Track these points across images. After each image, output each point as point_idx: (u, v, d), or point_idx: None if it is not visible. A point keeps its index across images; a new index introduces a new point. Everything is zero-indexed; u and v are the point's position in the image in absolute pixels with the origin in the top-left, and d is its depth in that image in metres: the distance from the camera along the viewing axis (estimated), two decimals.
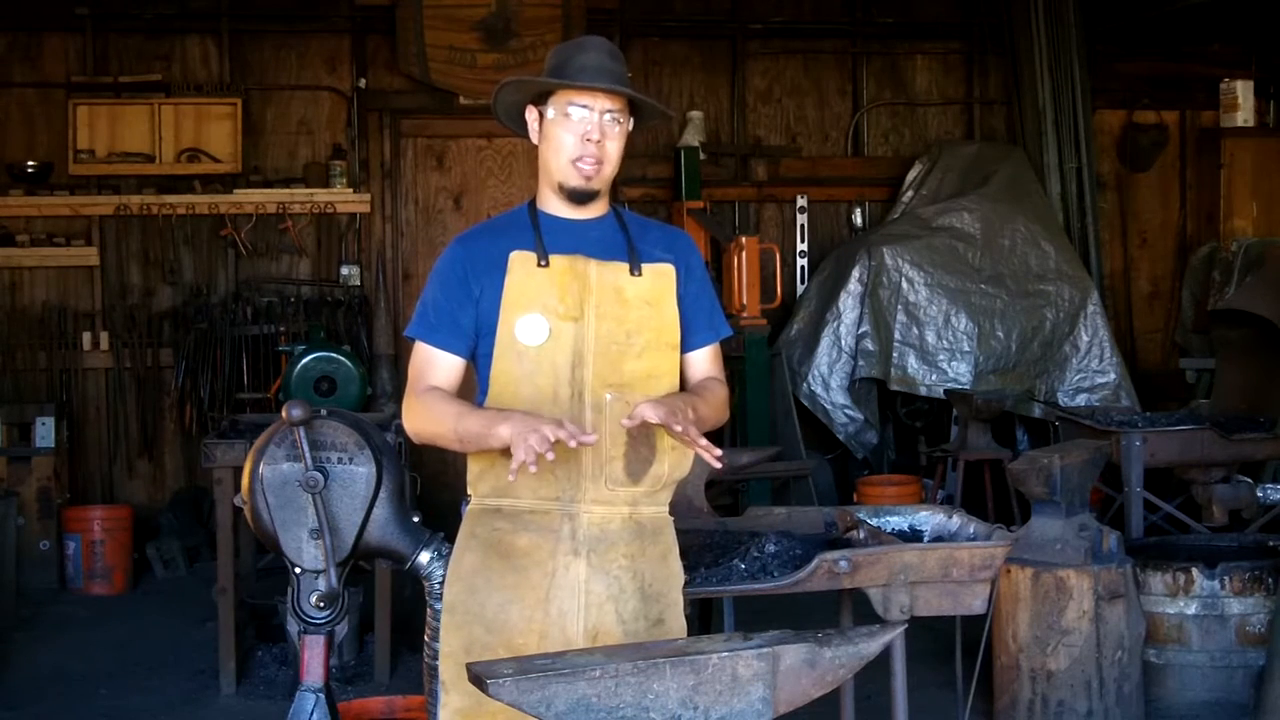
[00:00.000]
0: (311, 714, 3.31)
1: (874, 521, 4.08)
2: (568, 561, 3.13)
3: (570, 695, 2.57)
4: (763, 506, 4.64)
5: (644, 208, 9.09)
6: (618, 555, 3.15)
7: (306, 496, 3.20)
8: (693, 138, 9.34)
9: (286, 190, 9.03)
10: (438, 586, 3.25)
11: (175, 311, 8.94)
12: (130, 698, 6.12)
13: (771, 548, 3.86)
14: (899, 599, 3.70)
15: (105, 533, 8.00)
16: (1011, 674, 5.37)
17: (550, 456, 2.88)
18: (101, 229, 8.92)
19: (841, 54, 9.86)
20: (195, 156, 8.89)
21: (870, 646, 2.82)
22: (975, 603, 3.76)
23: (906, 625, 3.34)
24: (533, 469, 2.89)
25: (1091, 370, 8.87)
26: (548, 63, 3.20)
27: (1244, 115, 9.74)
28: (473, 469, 3.19)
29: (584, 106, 3.13)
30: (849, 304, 8.78)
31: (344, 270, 9.13)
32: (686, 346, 3.26)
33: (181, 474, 9.00)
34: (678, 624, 3.23)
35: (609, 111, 3.15)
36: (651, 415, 2.97)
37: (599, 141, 3.13)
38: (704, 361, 3.30)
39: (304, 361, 8.22)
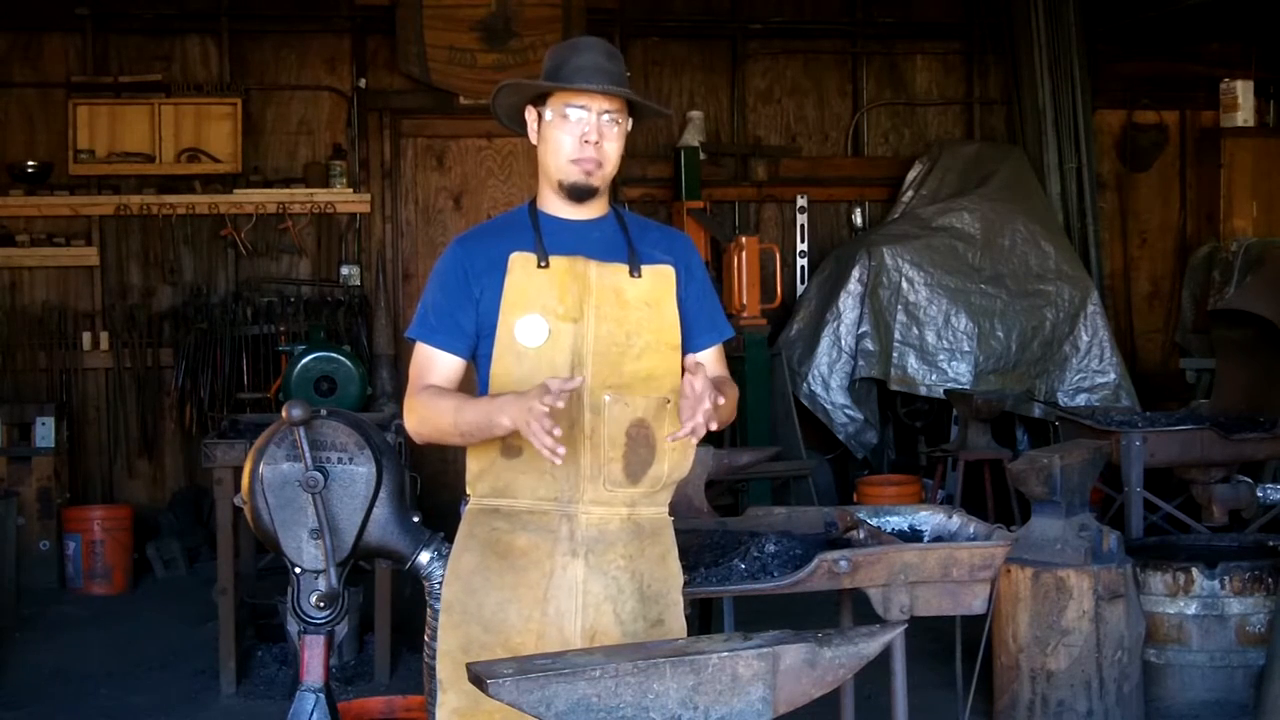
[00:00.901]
0: (311, 714, 3.31)
1: (874, 521, 4.09)
2: (565, 562, 3.12)
3: (570, 695, 2.57)
4: (763, 506, 4.64)
5: (644, 208, 9.09)
6: (616, 556, 3.14)
7: (306, 496, 3.20)
8: (693, 138, 9.34)
9: (286, 190, 9.03)
10: (438, 586, 3.25)
11: (175, 311, 8.94)
12: (130, 698, 6.12)
13: (771, 548, 3.86)
14: (899, 599, 3.70)
15: (105, 533, 8.00)
16: (1011, 674, 5.37)
17: (558, 432, 2.88)
18: (101, 229, 8.92)
19: (841, 54, 9.87)
20: (195, 156, 8.89)
21: (870, 646, 2.82)
22: (975, 603, 3.77)
23: (906, 625, 3.33)
24: (562, 451, 2.88)
25: (1091, 370, 8.87)
26: (545, 64, 3.20)
27: (1244, 115, 9.74)
28: (472, 468, 3.19)
29: (581, 108, 3.13)
30: (849, 304, 8.78)
31: (344, 270, 9.13)
32: (691, 348, 3.26)
33: (181, 474, 9.00)
34: (677, 624, 3.23)
35: (606, 112, 3.15)
36: (700, 385, 2.96)
37: (597, 143, 3.13)
38: (710, 362, 3.30)
39: (304, 361, 8.22)
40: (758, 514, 4.28)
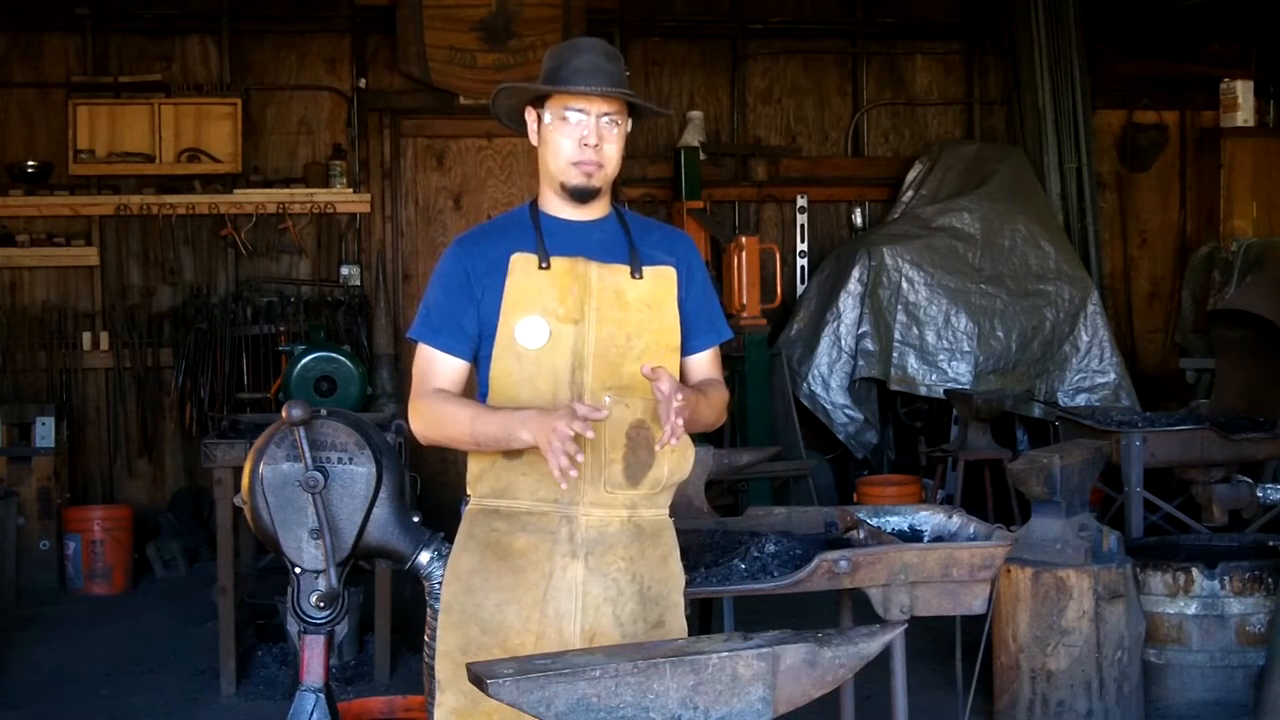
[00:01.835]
0: (311, 714, 3.31)
1: (874, 521, 4.08)
2: (565, 563, 3.12)
3: (570, 695, 2.57)
4: (763, 506, 4.63)
5: (644, 208, 9.09)
6: (616, 558, 3.14)
7: (306, 496, 3.20)
8: (693, 138, 9.34)
9: (286, 190, 9.03)
10: (438, 586, 3.25)
11: (175, 311, 8.94)
12: (130, 698, 6.12)
13: (771, 548, 3.86)
14: (899, 599, 3.70)
15: (105, 533, 8.00)
16: (1011, 674, 5.37)
17: (580, 458, 2.90)
18: (101, 229, 8.92)
19: (841, 54, 9.87)
20: (195, 156, 8.89)
21: (870, 646, 2.82)
22: (975, 603, 3.76)
23: (906, 625, 3.33)
24: (573, 475, 2.90)
25: (1091, 370, 8.87)
26: (544, 65, 3.20)
27: (1244, 115, 9.74)
28: (472, 469, 3.19)
29: (580, 110, 3.13)
30: (849, 304, 8.78)
31: (344, 270, 9.13)
32: (688, 349, 3.26)
33: (181, 474, 9.00)
34: (678, 626, 3.22)
35: (606, 114, 3.14)
36: (667, 386, 2.96)
37: (597, 145, 3.13)
38: (705, 364, 3.31)
39: (304, 361, 8.22)
40: (758, 514, 4.28)
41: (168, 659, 6.66)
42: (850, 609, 4.12)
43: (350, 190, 9.11)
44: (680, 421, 2.97)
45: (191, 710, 5.98)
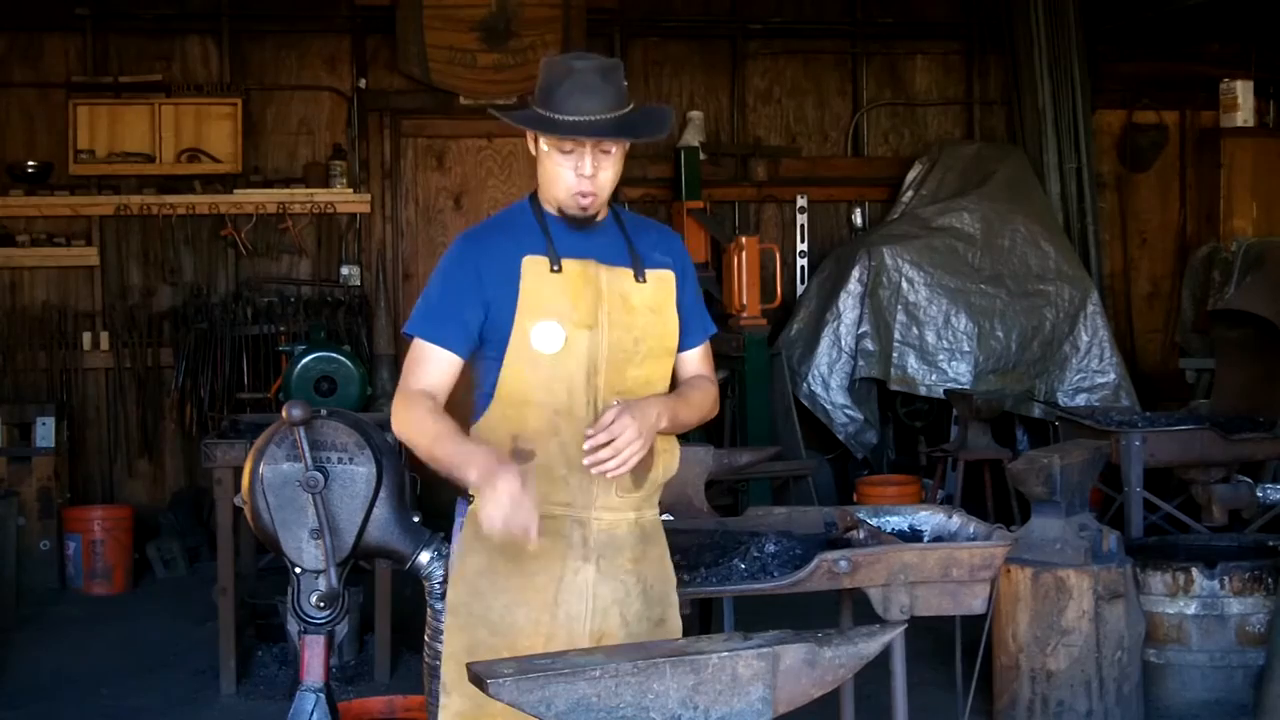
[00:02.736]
0: (311, 714, 3.31)
1: (874, 521, 4.08)
2: (577, 566, 3.12)
3: (570, 695, 2.57)
4: (763, 506, 4.64)
5: (644, 208, 9.10)
6: (624, 560, 3.15)
7: (306, 496, 3.20)
8: (693, 138, 9.34)
9: (286, 190, 9.03)
10: (438, 586, 3.25)
11: (175, 311, 8.94)
12: (130, 698, 6.12)
13: (771, 548, 3.86)
14: (899, 599, 3.70)
15: (105, 533, 8.00)
16: (1011, 674, 5.37)
17: (533, 533, 2.89)
18: (101, 229, 8.92)
19: (841, 54, 9.87)
20: (195, 156, 8.89)
21: (870, 646, 2.82)
22: (975, 603, 3.76)
23: (906, 625, 3.33)
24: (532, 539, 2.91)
25: (1091, 370, 8.87)
26: (538, 81, 3.12)
27: (1244, 115, 9.74)
28: None
29: (577, 142, 3.06)
30: (849, 304, 8.78)
31: (344, 270, 9.13)
32: (680, 347, 3.26)
33: (181, 474, 9.00)
34: (675, 622, 3.25)
35: (601, 143, 3.08)
36: (623, 430, 2.98)
37: (593, 176, 3.09)
38: (695, 361, 3.31)
39: (304, 361, 8.22)
40: (758, 514, 4.28)
41: (168, 659, 6.66)
42: (850, 609, 4.12)
43: (350, 190, 9.11)
44: (607, 457, 2.97)
45: (191, 710, 5.98)
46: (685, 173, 9.08)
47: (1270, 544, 5.94)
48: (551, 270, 3.10)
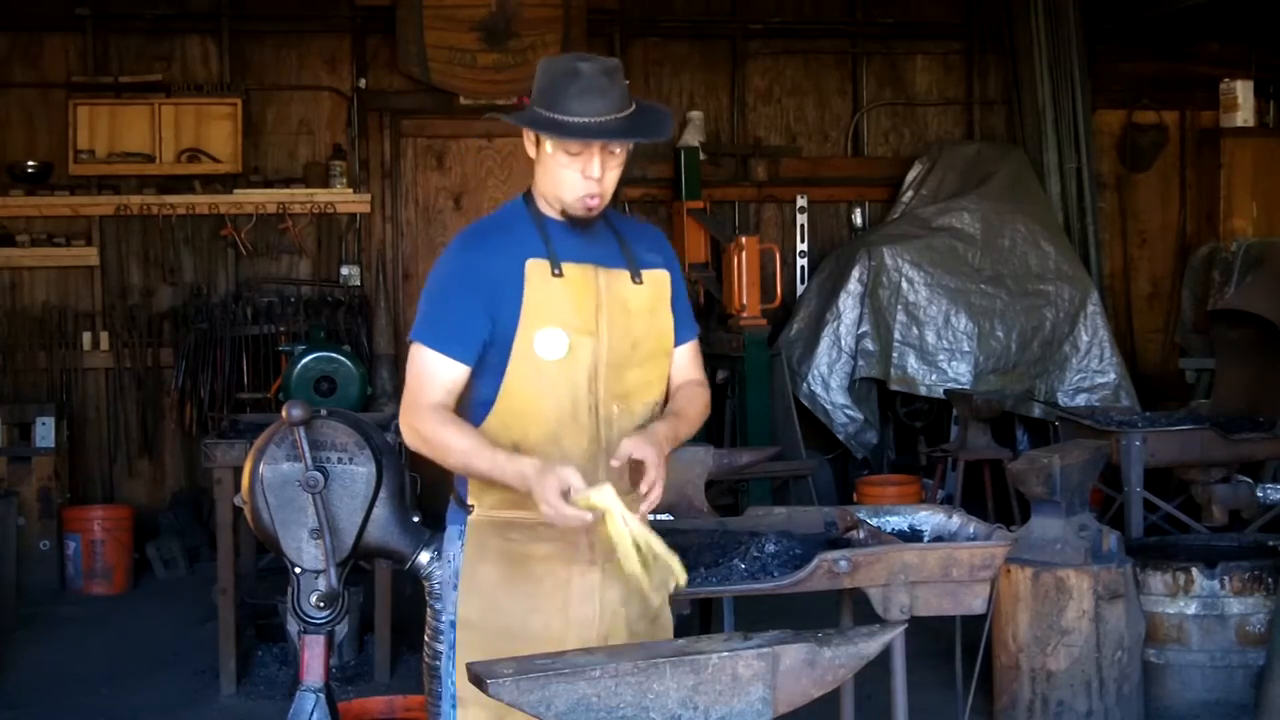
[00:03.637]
0: (311, 714, 3.31)
1: (874, 521, 4.08)
2: (584, 570, 3.11)
3: (570, 695, 2.57)
4: (763, 506, 4.63)
5: (644, 208, 9.11)
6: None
7: (306, 496, 3.20)
8: (693, 138, 9.34)
9: (286, 190, 9.03)
10: (437, 587, 3.25)
11: (175, 311, 8.94)
12: (130, 698, 6.12)
13: (771, 548, 3.85)
14: (899, 599, 3.70)
15: (105, 533, 8.00)
16: (1011, 674, 5.37)
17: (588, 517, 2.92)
18: (101, 229, 8.92)
19: (841, 54, 9.87)
20: (195, 156, 8.89)
21: (870, 646, 2.82)
22: (975, 603, 3.76)
23: (906, 625, 3.33)
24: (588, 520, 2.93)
25: (1091, 370, 8.87)
26: (537, 82, 3.08)
27: (1244, 115, 9.74)
28: (473, 480, 3.12)
29: (584, 143, 3.04)
30: (849, 304, 8.78)
31: (344, 270, 9.13)
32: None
33: (181, 474, 9.00)
34: (666, 616, 3.27)
35: (609, 144, 3.06)
36: (651, 460, 3.01)
37: (599, 178, 3.07)
38: (685, 359, 3.29)
39: (304, 361, 8.22)
40: (758, 514, 4.28)
41: (168, 659, 6.66)
42: (850, 609, 4.12)
43: (350, 190, 9.11)
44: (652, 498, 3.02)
45: (191, 710, 5.98)
46: (685, 173, 9.07)
47: (1270, 544, 5.95)
48: (553, 274, 3.07)
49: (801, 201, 9.66)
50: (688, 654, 2.68)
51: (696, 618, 5.40)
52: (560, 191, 3.10)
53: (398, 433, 5.73)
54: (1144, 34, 9.84)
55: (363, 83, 9.19)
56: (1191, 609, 5.59)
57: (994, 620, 5.33)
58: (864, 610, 3.84)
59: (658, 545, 2.95)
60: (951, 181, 9.37)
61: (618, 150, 3.09)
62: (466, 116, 9.20)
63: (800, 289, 9.49)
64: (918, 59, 9.96)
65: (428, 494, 8.10)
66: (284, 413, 3.20)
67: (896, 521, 4.14)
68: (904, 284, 8.77)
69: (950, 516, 4.09)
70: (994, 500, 7.94)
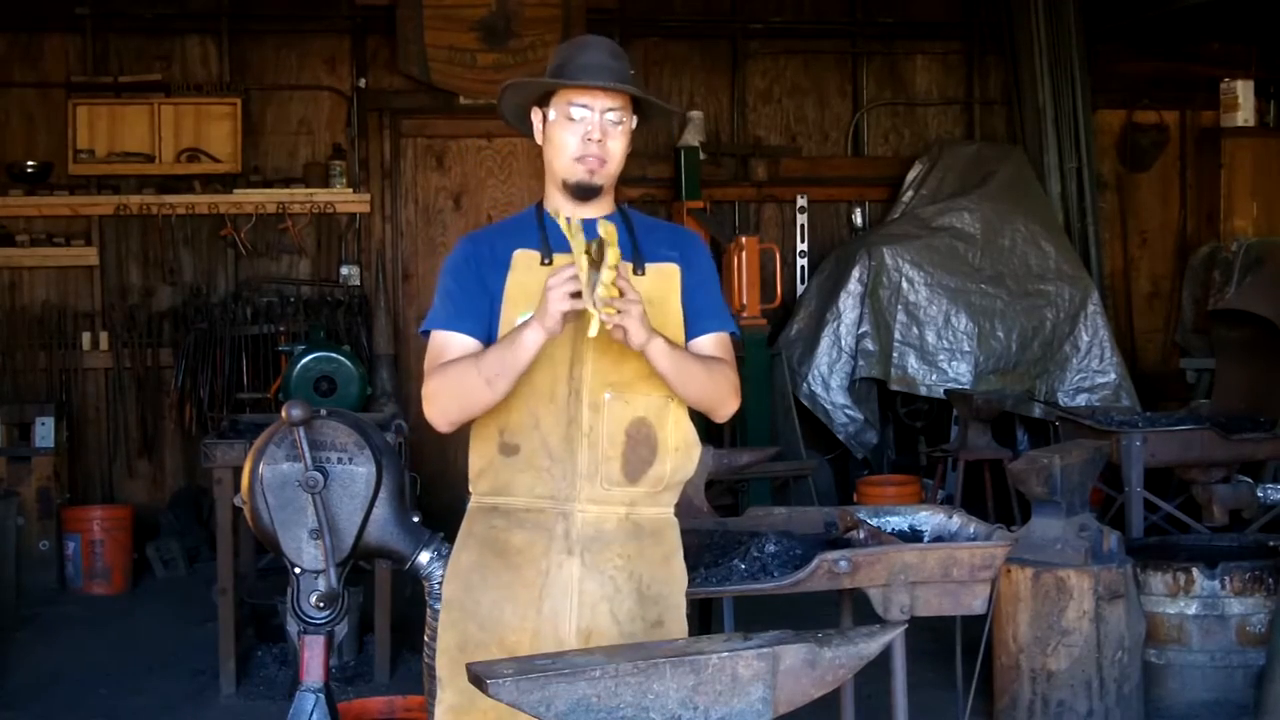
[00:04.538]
0: (311, 714, 3.31)
1: (874, 521, 4.08)
2: (561, 560, 3.11)
3: (570, 695, 2.57)
4: (763, 506, 4.64)
5: (644, 208, 9.06)
6: (613, 555, 3.13)
7: (306, 496, 3.20)
8: (693, 138, 9.34)
9: (286, 190, 9.03)
10: (437, 586, 3.25)
11: (175, 311, 8.94)
12: (130, 698, 6.12)
13: (771, 548, 3.86)
14: (899, 599, 3.70)
15: (105, 533, 8.00)
16: (1011, 674, 5.37)
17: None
18: (101, 229, 8.92)
19: (841, 54, 9.87)
20: (195, 156, 8.89)
21: (870, 646, 2.82)
22: (975, 603, 3.76)
23: (906, 625, 3.33)
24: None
25: (1091, 370, 8.87)
26: (550, 62, 3.19)
27: (1244, 115, 9.74)
28: (473, 467, 3.18)
29: (585, 106, 3.12)
30: (849, 304, 8.78)
31: (344, 270, 9.13)
32: (690, 334, 3.20)
33: (181, 474, 9.00)
34: (678, 627, 3.20)
35: (610, 110, 3.13)
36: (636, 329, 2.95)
37: (600, 141, 3.12)
38: (708, 345, 3.21)
39: (304, 361, 8.22)
40: (758, 514, 4.28)
41: (168, 659, 6.66)
42: (850, 609, 4.12)
43: (350, 190, 9.11)
44: (614, 313, 2.90)
45: (191, 710, 5.98)
46: (685, 172, 9.08)
47: (1271, 544, 5.94)
48: (542, 263, 3.12)
49: (801, 201, 9.66)
50: (688, 654, 2.68)
51: (696, 618, 5.40)
52: (563, 158, 3.14)
53: (398, 433, 5.77)
54: (1144, 34, 9.85)
55: (362, 82, 9.19)
56: (1192, 609, 5.59)
57: (994, 620, 5.33)
58: (864, 610, 3.85)
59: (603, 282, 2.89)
60: (951, 181, 9.37)
61: (621, 121, 3.15)
62: (466, 116, 9.20)
63: (800, 289, 9.49)
64: (918, 59, 9.96)
65: (428, 494, 8.11)
66: (284, 413, 3.20)
67: (896, 522, 4.15)
68: (904, 284, 8.77)
69: (950, 517, 4.09)
70: (994, 500, 7.94)
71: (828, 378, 8.82)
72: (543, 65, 3.25)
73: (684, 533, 3.30)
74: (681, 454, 3.18)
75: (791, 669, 2.72)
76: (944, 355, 8.74)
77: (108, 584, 8.00)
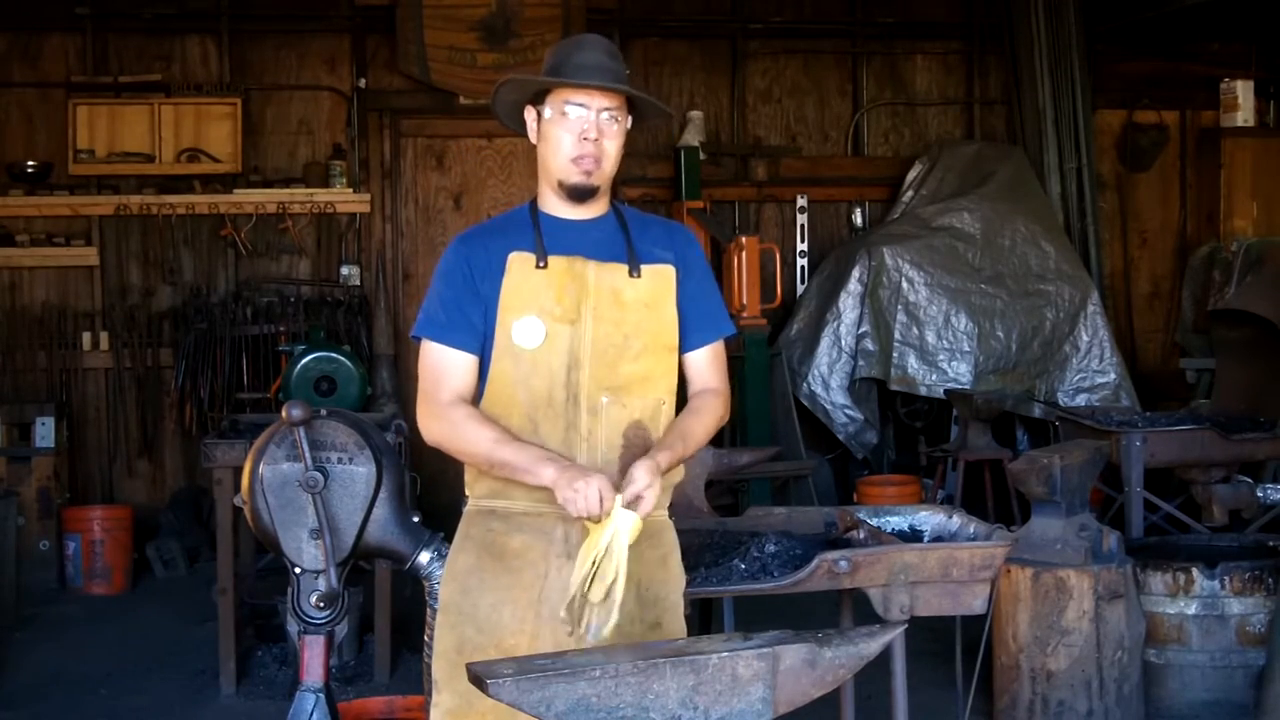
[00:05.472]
0: (311, 714, 3.31)
1: (874, 521, 4.08)
2: (560, 564, 3.11)
3: (570, 695, 2.57)
4: (763, 506, 4.63)
5: (644, 208, 9.02)
6: None
7: (306, 496, 3.20)
8: (693, 138, 9.34)
9: (286, 190, 9.03)
10: (437, 586, 3.25)
11: (175, 311, 8.94)
12: (130, 698, 6.12)
13: (771, 548, 3.86)
14: (899, 599, 3.70)
15: (105, 533, 8.00)
16: (1011, 674, 5.37)
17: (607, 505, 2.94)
18: (101, 229, 8.92)
19: (841, 54, 9.87)
20: (195, 156, 8.89)
21: (870, 646, 2.82)
22: (975, 603, 3.76)
23: (906, 625, 3.33)
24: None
25: (1091, 370, 8.87)
26: (546, 61, 3.18)
27: (1244, 115, 9.74)
28: (470, 470, 3.18)
29: (581, 105, 3.11)
30: (849, 304, 8.78)
31: (344, 270, 9.13)
32: (685, 346, 3.22)
33: (181, 474, 9.00)
34: (676, 627, 3.20)
35: (606, 110, 3.12)
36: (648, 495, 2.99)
37: (596, 140, 3.11)
38: (703, 363, 3.24)
39: (304, 361, 8.22)
40: (758, 514, 4.28)
41: (168, 659, 6.66)
42: (850, 609, 4.12)
43: (350, 190, 9.11)
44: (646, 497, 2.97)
45: (191, 710, 5.98)
46: (685, 172, 9.08)
47: (1270, 544, 5.94)
48: (537, 266, 3.11)
49: (801, 201, 9.67)
50: (688, 654, 2.67)
51: (696, 618, 5.40)
52: (558, 158, 3.13)
53: (398, 433, 5.77)
54: (1144, 34, 9.85)
55: (362, 82, 9.19)
56: (1192, 609, 5.59)
57: (994, 620, 5.33)
58: (864, 610, 3.84)
59: (617, 591, 2.91)
60: (951, 181, 9.37)
61: (617, 120, 3.13)
62: (466, 116, 9.20)
63: (800, 289, 9.49)
64: (918, 59, 9.96)
65: (428, 494, 8.11)
66: (284, 413, 3.20)
67: (896, 522, 4.14)
68: (904, 284, 8.77)
69: (950, 517, 4.09)
70: (994, 500, 7.94)
71: (828, 378, 8.82)
72: (542, 65, 3.23)
73: (684, 533, 3.30)
74: None
75: (791, 669, 2.72)
76: (944, 355, 8.74)
77: (108, 584, 8.00)
